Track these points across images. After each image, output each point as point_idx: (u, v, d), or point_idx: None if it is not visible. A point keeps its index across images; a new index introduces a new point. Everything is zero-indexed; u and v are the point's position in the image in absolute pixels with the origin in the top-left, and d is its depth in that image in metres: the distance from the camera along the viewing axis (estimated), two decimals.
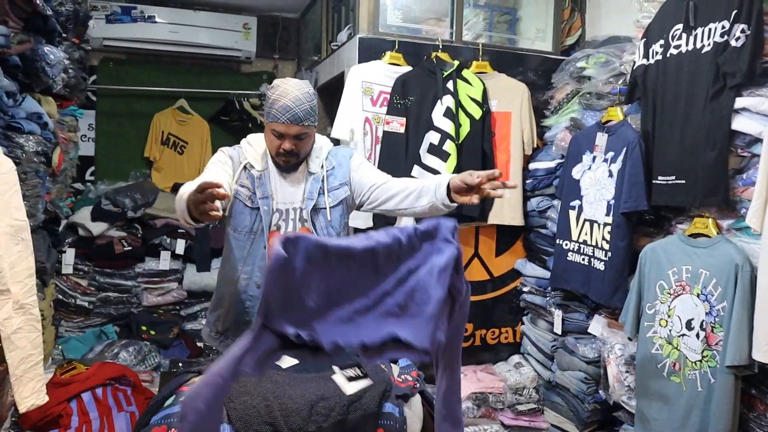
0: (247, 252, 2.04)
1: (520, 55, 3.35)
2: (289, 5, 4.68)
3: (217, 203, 1.62)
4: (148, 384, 3.01)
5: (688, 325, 2.23)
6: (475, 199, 1.79)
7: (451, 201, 1.88)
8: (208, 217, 1.64)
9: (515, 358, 3.37)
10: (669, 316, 2.31)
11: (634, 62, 2.59)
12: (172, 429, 1.58)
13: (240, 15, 4.56)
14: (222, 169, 2.03)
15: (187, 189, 1.80)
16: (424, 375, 1.92)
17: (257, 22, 4.60)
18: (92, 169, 4.52)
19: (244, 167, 2.06)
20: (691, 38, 2.30)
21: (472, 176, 1.78)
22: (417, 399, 1.81)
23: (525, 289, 3.33)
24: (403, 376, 1.85)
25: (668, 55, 2.41)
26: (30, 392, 1.92)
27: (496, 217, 3.17)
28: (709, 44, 2.22)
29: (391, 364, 1.93)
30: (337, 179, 2.14)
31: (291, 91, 1.96)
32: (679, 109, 2.34)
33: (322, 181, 2.10)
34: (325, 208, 2.08)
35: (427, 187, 1.93)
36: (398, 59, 3.02)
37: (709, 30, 2.22)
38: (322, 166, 2.12)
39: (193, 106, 4.62)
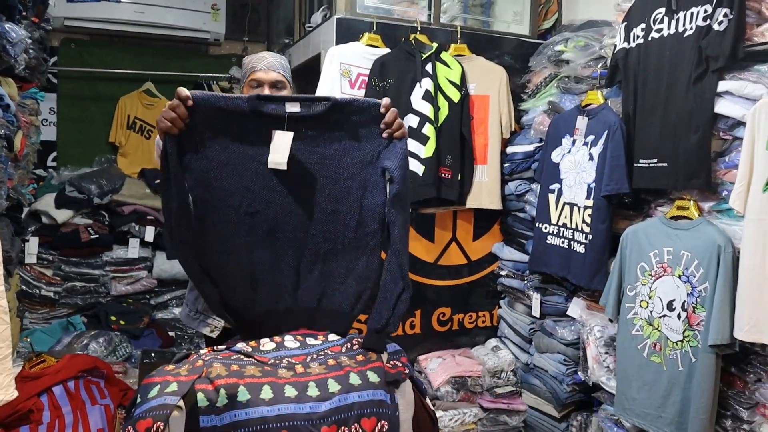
0: None
1: (497, 38, 3.33)
2: None
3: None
4: (121, 375, 2.93)
5: (670, 306, 2.26)
6: None
7: None
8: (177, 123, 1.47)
9: (492, 342, 3.38)
10: (650, 298, 2.34)
11: (615, 46, 2.59)
12: (158, 422, 1.53)
13: None
14: None
15: None
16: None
17: (226, 2, 4.46)
18: (54, 154, 4.34)
19: None
20: (673, 22, 2.31)
21: None
22: (407, 384, 1.78)
23: (502, 272, 3.34)
24: (392, 362, 1.82)
25: (650, 38, 2.41)
26: None
27: (474, 201, 3.16)
28: (691, 28, 2.22)
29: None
30: None
31: (265, 51, 2.12)
32: (661, 93, 2.35)
33: None
34: None
35: None
36: (376, 41, 2.96)
37: (692, 14, 2.23)
38: None
39: (160, 89, 4.47)
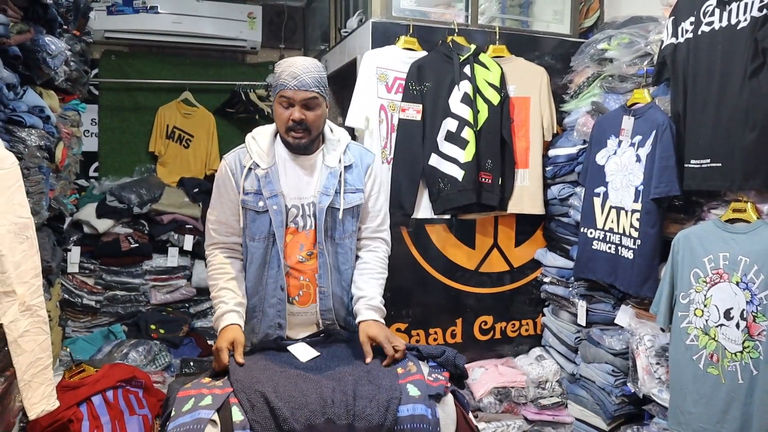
0: (270, 256, 1.96)
1: (537, 38, 3.24)
2: None
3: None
4: (159, 385, 2.92)
5: (727, 315, 2.13)
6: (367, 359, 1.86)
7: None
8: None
9: (536, 351, 3.27)
10: (705, 306, 2.21)
11: (662, 41, 2.47)
12: None
13: (244, 4, 4.44)
14: (222, 210, 2.02)
15: (222, 303, 2.00)
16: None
17: (262, 11, 4.49)
18: (96, 164, 4.42)
19: (249, 169, 1.95)
20: (725, 14, 2.19)
21: (367, 345, 1.88)
22: (450, 399, 1.72)
23: (546, 279, 3.23)
24: (434, 375, 1.76)
25: (700, 32, 2.29)
26: (40, 398, 1.82)
27: (515, 206, 3.06)
28: (745, 19, 2.10)
29: (420, 362, 1.83)
30: (354, 180, 2.03)
31: (298, 60, 1.91)
32: (713, 89, 2.23)
33: (339, 176, 2.00)
34: (339, 209, 1.98)
35: (357, 296, 2.01)
36: (413, 44, 2.90)
37: (746, 4, 2.10)
38: (340, 160, 2.02)
39: (198, 99, 4.51)
